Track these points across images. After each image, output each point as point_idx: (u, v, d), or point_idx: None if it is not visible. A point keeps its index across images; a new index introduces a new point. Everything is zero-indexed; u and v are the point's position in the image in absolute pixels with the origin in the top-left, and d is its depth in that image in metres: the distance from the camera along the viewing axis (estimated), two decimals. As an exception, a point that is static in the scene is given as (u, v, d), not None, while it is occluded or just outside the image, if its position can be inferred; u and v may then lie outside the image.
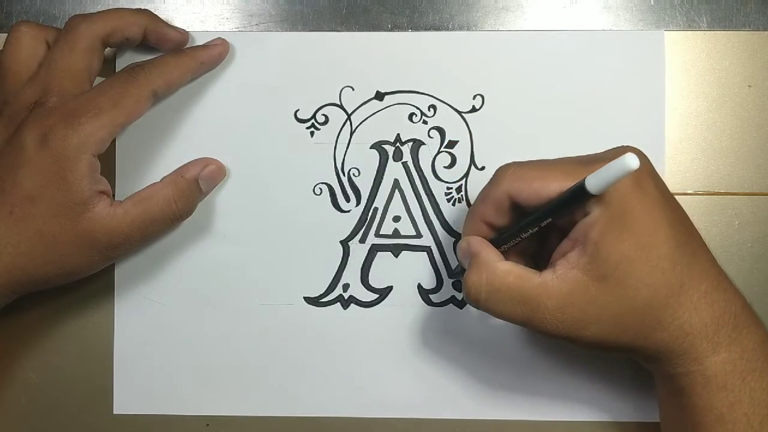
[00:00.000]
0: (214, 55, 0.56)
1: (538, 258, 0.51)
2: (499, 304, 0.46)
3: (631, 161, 0.40)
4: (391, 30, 0.58)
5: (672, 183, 0.56)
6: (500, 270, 0.46)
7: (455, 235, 0.56)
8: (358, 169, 0.57)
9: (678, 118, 0.56)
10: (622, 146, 0.48)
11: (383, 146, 0.57)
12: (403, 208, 0.57)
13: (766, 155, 0.56)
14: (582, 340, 0.46)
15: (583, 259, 0.44)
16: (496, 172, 0.48)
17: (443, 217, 0.56)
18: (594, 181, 0.41)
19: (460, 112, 0.56)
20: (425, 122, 0.57)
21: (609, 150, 0.48)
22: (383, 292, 0.57)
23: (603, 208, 0.44)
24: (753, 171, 0.56)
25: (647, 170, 0.46)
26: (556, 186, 0.45)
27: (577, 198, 0.43)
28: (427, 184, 0.57)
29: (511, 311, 0.46)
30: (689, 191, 0.56)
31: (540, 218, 0.46)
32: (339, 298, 0.57)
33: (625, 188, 0.44)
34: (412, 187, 0.57)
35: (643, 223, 0.44)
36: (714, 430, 0.46)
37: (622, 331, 0.45)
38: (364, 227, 0.57)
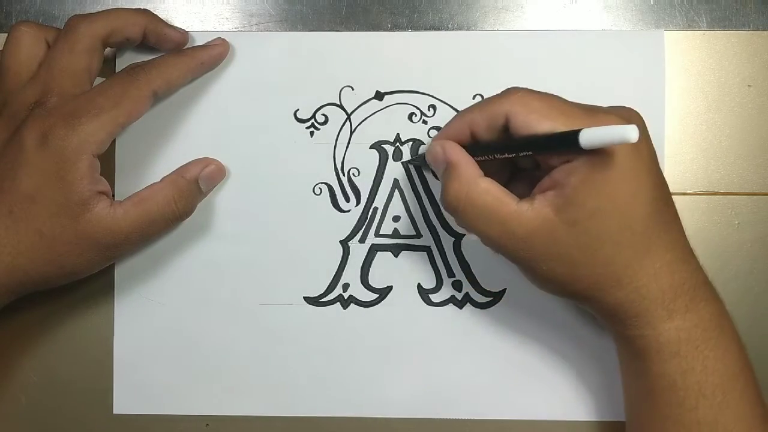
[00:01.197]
0: (214, 55, 0.56)
1: (509, 178, 0.52)
2: (474, 219, 0.47)
3: (632, 133, 0.40)
4: (391, 30, 0.58)
5: (672, 183, 0.55)
6: (480, 187, 0.47)
7: (455, 235, 0.56)
8: (357, 169, 0.57)
9: (678, 118, 0.56)
10: (626, 107, 0.48)
11: (383, 146, 0.57)
12: (403, 208, 0.57)
13: (766, 155, 0.56)
14: (536, 273, 0.47)
15: (558, 201, 0.45)
16: (506, 89, 0.48)
17: (443, 217, 0.56)
18: (588, 137, 0.41)
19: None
20: (425, 122, 0.57)
21: (613, 107, 0.48)
22: (383, 292, 0.57)
23: (589, 158, 0.44)
24: (753, 171, 0.56)
25: (645, 134, 0.47)
26: (550, 125, 0.45)
27: (566, 144, 0.43)
28: (427, 184, 0.57)
29: (484, 228, 0.47)
30: (689, 191, 0.56)
31: (523, 147, 0.46)
32: (339, 298, 0.57)
33: (619, 146, 0.44)
34: (411, 186, 0.57)
35: (626, 183, 0.44)
36: (666, 396, 0.47)
37: (577, 278, 0.46)
38: (363, 227, 0.57)
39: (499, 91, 0.48)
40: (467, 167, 0.48)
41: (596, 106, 0.48)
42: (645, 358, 0.47)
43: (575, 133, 0.42)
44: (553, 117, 0.45)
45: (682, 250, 0.47)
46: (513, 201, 0.46)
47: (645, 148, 0.46)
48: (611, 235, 0.45)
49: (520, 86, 0.48)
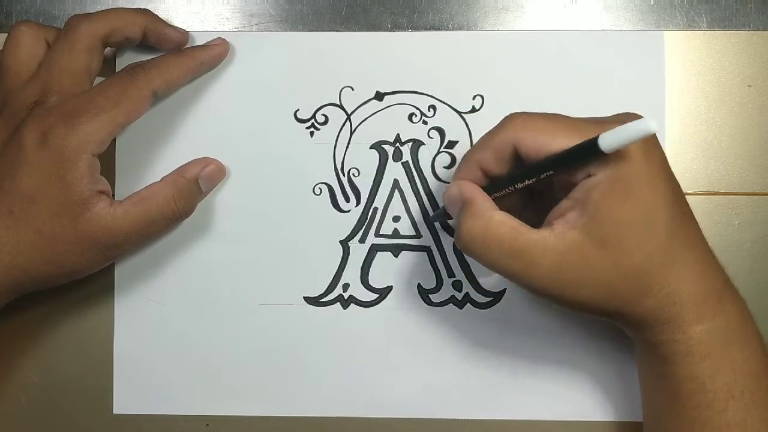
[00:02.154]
0: (214, 55, 0.56)
1: (523, 212, 0.50)
2: (491, 254, 0.45)
3: (651, 124, 0.39)
4: (391, 30, 0.58)
5: (672, 183, 0.56)
6: (495, 220, 0.45)
7: (455, 235, 0.56)
8: (357, 169, 0.57)
9: (678, 118, 0.56)
10: (628, 114, 0.47)
11: (383, 146, 0.57)
12: (403, 208, 0.57)
13: (766, 155, 0.56)
14: (572, 301, 0.46)
15: (582, 220, 0.44)
16: (505, 117, 0.47)
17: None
18: (608, 140, 0.40)
19: (459, 113, 0.56)
20: (425, 122, 0.57)
21: (614, 115, 0.47)
22: (383, 292, 0.57)
23: (607, 170, 0.43)
24: (753, 171, 0.56)
25: (654, 140, 0.46)
26: (563, 141, 0.44)
27: (586, 154, 0.42)
28: (427, 184, 0.57)
29: (503, 263, 0.45)
30: (689, 191, 0.56)
31: (542, 168, 0.44)
32: (339, 298, 0.57)
33: (632, 153, 0.43)
34: (411, 187, 0.57)
35: (646, 190, 0.44)
36: (695, 399, 0.46)
37: (613, 296, 0.45)
38: (363, 227, 0.57)
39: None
40: (481, 202, 0.46)
41: (596, 117, 0.47)
42: (671, 362, 0.47)
43: (594, 141, 0.41)
44: (563, 133, 0.44)
45: (705, 249, 0.47)
46: (531, 230, 0.45)
47: (656, 153, 0.45)
48: (640, 245, 0.44)
49: (517, 111, 0.47)
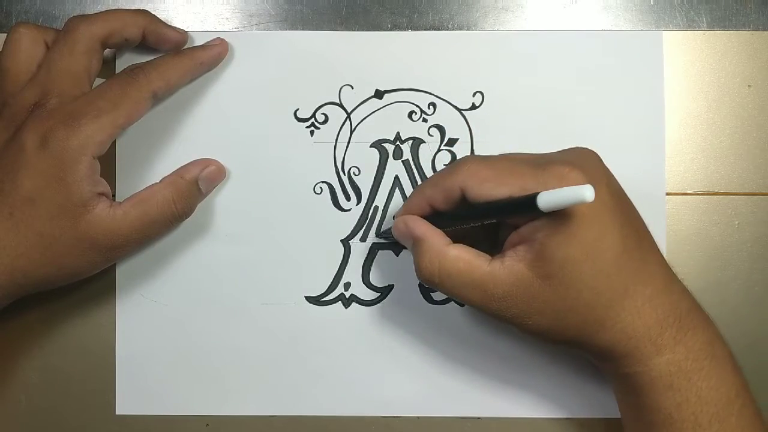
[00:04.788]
0: (213, 55, 0.55)
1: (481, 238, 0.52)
2: (452, 288, 0.47)
3: (587, 194, 0.40)
4: (391, 30, 0.58)
5: (672, 183, 0.56)
6: (451, 255, 0.47)
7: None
8: (358, 168, 0.57)
9: (678, 118, 0.56)
10: (579, 148, 0.49)
11: (383, 145, 0.57)
12: (404, 207, 0.57)
13: (766, 155, 0.56)
14: (524, 328, 0.47)
15: (529, 256, 0.45)
16: (457, 161, 0.49)
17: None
18: (546, 200, 0.41)
19: (459, 110, 0.56)
20: (425, 120, 0.57)
21: (565, 151, 0.49)
22: (384, 291, 0.57)
23: (551, 213, 0.44)
24: (753, 171, 0.56)
25: (602, 174, 0.47)
26: (506, 190, 0.45)
27: (525, 208, 0.43)
28: (427, 182, 0.57)
29: (464, 294, 0.47)
30: (689, 191, 0.56)
31: (485, 215, 0.47)
32: (340, 297, 0.57)
33: None
34: (412, 185, 0.57)
35: (590, 229, 0.44)
36: (664, 429, 0.47)
37: (564, 327, 0.47)
38: (364, 226, 0.57)
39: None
40: (434, 238, 0.48)
41: (546, 155, 0.48)
42: (640, 393, 0.47)
43: (533, 198, 0.42)
44: (505, 182, 0.45)
45: (663, 281, 0.47)
46: (485, 262, 0.46)
47: (605, 190, 0.46)
48: (586, 282, 0.45)
49: (469, 156, 0.49)
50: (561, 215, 0.44)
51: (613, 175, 0.48)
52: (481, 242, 0.49)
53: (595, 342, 0.47)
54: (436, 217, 0.50)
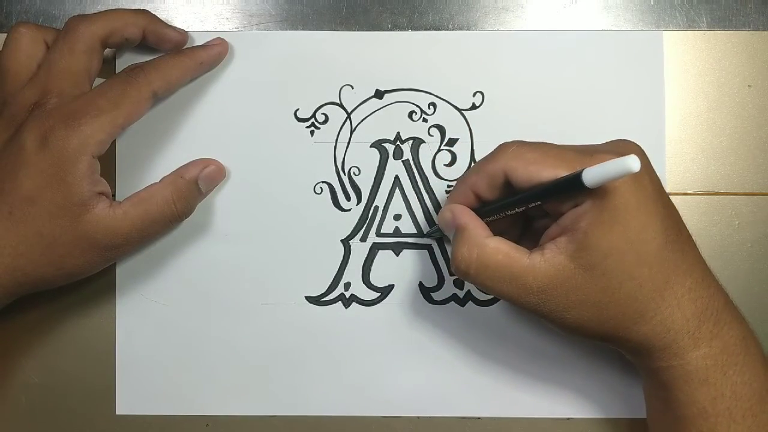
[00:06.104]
0: (213, 55, 0.55)
1: (522, 232, 0.52)
2: (487, 280, 0.47)
3: (633, 163, 0.40)
4: (391, 30, 0.58)
5: (672, 183, 0.56)
6: (490, 247, 0.47)
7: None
8: (358, 168, 0.57)
9: (678, 118, 0.56)
10: (623, 140, 0.49)
11: (383, 145, 0.57)
12: (404, 207, 0.57)
13: (766, 155, 0.56)
14: (562, 322, 0.47)
15: (571, 246, 0.45)
16: (498, 146, 0.48)
17: (443, 215, 0.56)
18: (592, 175, 0.41)
19: (460, 110, 0.57)
20: (425, 120, 0.57)
21: (609, 142, 0.49)
22: (384, 291, 0.57)
23: (595, 199, 0.44)
24: (753, 171, 0.56)
25: (646, 165, 0.47)
26: (551, 172, 0.45)
27: (572, 187, 0.43)
28: (428, 182, 0.57)
29: (499, 288, 0.47)
30: (689, 191, 0.56)
31: (530, 199, 0.46)
32: (340, 297, 0.57)
33: (620, 181, 0.44)
34: (412, 185, 0.57)
35: (634, 218, 0.44)
36: (697, 423, 0.47)
37: (603, 319, 0.46)
38: (364, 226, 0.57)
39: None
40: (475, 229, 0.48)
41: (591, 145, 0.48)
42: (673, 387, 0.47)
43: (578, 175, 0.42)
44: (551, 164, 0.45)
45: (701, 273, 0.47)
46: (524, 255, 0.46)
47: (647, 180, 0.46)
48: (629, 273, 0.45)
49: (513, 141, 0.48)
50: (605, 203, 0.44)
51: (652, 167, 0.47)
52: (521, 242, 0.48)
53: (632, 335, 0.47)
54: (480, 210, 0.49)
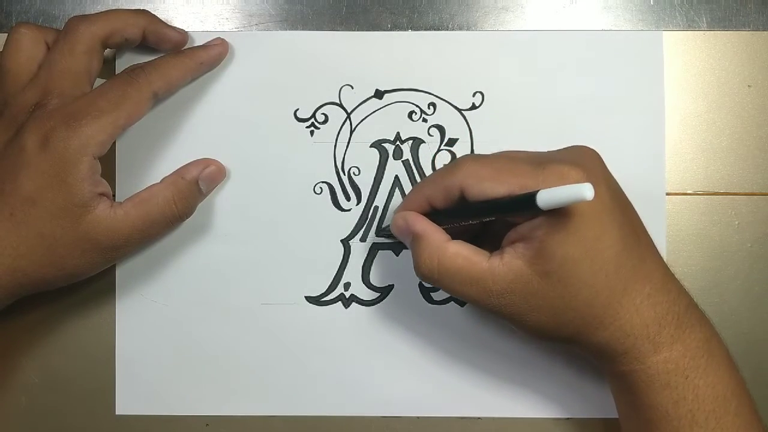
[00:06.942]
0: (213, 55, 0.55)
1: (482, 229, 0.52)
2: (450, 283, 0.48)
3: (587, 191, 0.40)
4: (391, 30, 0.58)
5: (672, 183, 0.56)
6: (450, 251, 0.47)
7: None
8: (358, 168, 0.57)
9: (678, 118, 0.56)
10: (578, 147, 0.49)
11: (383, 145, 0.57)
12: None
13: (766, 155, 0.56)
14: (523, 325, 0.48)
15: (528, 253, 0.45)
16: (456, 160, 0.50)
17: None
18: (545, 199, 0.41)
19: (459, 110, 0.56)
20: (425, 120, 0.57)
21: (566, 149, 0.49)
22: (384, 291, 0.57)
23: (550, 211, 0.44)
24: (753, 171, 0.56)
25: (601, 173, 0.47)
26: (505, 189, 0.45)
27: (525, 206, 0.43)
28: (428, 182, 0.57)
29: (462, 290, 0.47)
30: (689, 191, 0.56)
31: (484, 213, 0.47)
32: (340, 297, 0.57)
33: None
34: (412, 185, 0.57)
35: (589, 227, 0.45)
36: (661, 426, 0.47)
37: (562, 324, 0.47)
38: (364, 226, 0.57)
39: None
40: (433, 235, 0.48)
41: (545, 153, 0.48)
42: (636, 391, 0.48)
43: (532, 196, 0.42)
44: (505, 180, 0.45)
45: (661, 279, 0.47)
46: (484, 258, 0.47)
47: (604, 188, 0.46)
48: (586, 280, 0.45)
49: (468, 155, 0.49)
50: (560, 213, 0.44)
51: (611, 175, 0.48)
52: (479, 239, 0.49)
53: (593, 340, 0.47)
54: (434, 215, 0.50)
